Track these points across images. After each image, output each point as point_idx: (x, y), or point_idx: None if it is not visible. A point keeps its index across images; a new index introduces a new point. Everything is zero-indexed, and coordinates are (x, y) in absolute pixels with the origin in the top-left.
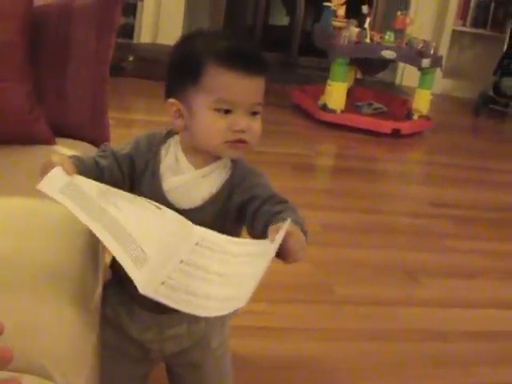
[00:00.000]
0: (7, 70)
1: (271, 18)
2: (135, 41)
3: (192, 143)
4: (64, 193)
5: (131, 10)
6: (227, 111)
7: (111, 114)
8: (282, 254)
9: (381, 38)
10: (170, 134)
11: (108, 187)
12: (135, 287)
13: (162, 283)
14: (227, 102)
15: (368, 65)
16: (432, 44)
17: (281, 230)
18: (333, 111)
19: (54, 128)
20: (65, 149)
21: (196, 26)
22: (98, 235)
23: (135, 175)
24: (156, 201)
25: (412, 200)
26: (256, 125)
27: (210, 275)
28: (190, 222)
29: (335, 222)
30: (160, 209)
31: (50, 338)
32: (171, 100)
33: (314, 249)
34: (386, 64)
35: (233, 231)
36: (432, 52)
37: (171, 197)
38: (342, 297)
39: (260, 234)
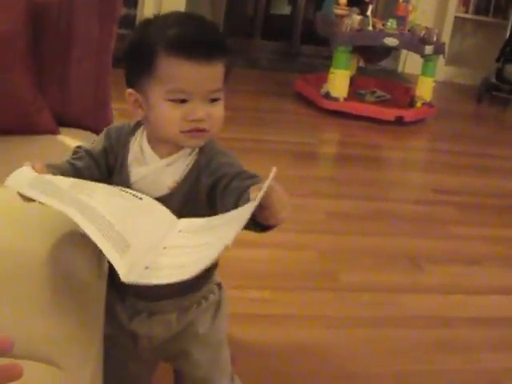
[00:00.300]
0: (10, 60)
1: (273, 7)
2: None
3: (153, 133)
4: (32, 186)
5: (132, 0)
6: (182, 101)
7: (113, 104)
8: (263, 214)
9: (383, 25)
10: (138, 124)
11: (82, 180)
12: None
13: (146, 268)
14: (180, 91)
15: (371, 53)
16: (434, 31)
17: (264, 184)
18: (336, 99)
19: (57, 118)
20: (68, 138)
21: None
22: (74, 220)
23: (110, 168)
24: None
25: (415, 187)
26: (216, 111)
27: (194, 249)
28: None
29: (339, 209)
30: (141, 198)
31: (53, 325)
32: (129, 90)
33: (318, 237)
34: (388, 51)
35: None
36: (435, 39)
37: (138, 188)
38: (346, 284)
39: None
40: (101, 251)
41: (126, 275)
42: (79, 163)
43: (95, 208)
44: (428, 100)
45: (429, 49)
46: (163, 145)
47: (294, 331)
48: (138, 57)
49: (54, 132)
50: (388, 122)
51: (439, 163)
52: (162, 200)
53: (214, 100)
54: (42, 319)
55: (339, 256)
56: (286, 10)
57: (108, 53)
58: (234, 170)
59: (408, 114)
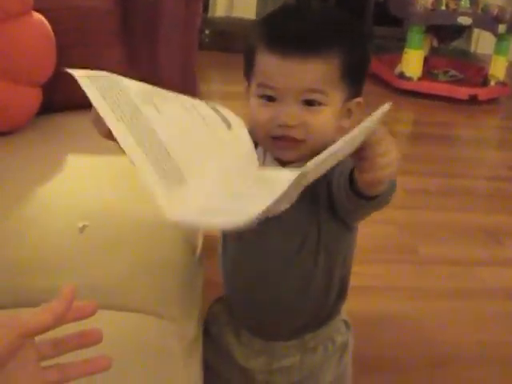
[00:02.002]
0: (104, 36)
1: None
2: (210, 14)
3: None
4: (93, 81)
5: (202, 4)
6: (271, 98)
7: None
8: (362, 166)
9: (456, 4)
10: None
11: (155, 88)
12: (242, 309)
13: (203, 211)
14: (268, 86)
15: (444, 32)
16: (508, 9)
17: (370, 117)
18: (410, 79)
19: None
20: None
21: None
22: (117, 137)
23: None
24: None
25: (490, 164)
26: (313, 118)
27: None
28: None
29: (415, 186)
30: (229, 126)
31: (162, 283)
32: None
33: (398, 212)
34: (461, 31)
35: (327, 223)
36: (508, 17)
37: None
38: (426, 257)
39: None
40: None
41: (171, 211)
42: None
43: (154, 129)
44: (501, 79)
45: (502, 27)
46: None
47: (378, 302)
48: (246, 50)
49: None
50: (461, 101)
51: None
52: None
53: (311, 103)
54: (151, 277)
55: (417, 230)
56: None
57: (194, 30)
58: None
59: (482, 93)
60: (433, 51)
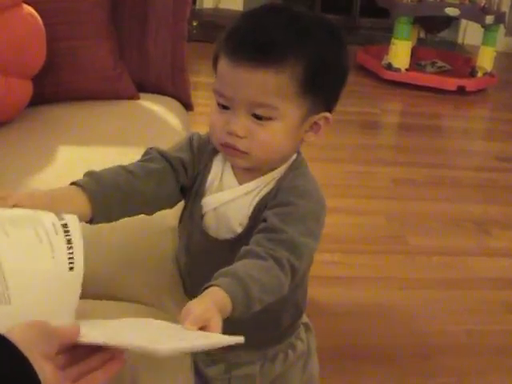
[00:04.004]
0: (93, 28)
1: None
2: (198, 6)
3: None
4: None
5: None
6: (225, 106)
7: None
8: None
9: None
10: None
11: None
12: None
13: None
14: (220, 94)
15: (431, 23)
16: (495, 0)
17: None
18: (397, 70)
19: (136, 84)
20: (148, 103)
21: None
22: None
23: (185, 187)
24: (191, 228)
25: (478, 155)
26: (261, 132)
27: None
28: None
29: (404, 176)
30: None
31: (149, 273)
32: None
33: (385, 202)
34: (449, 21)
35: None
36: (495, 8)
37: (208, 222)
38: (415, 247)
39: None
40: None
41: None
42: (152, 165)
43: None
44: (489, 70)
45: (490, 18)
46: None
47: (366, 292)
48: (213, 56)
49: (134, 97)
50: (449, 92)
51: (501, 132)
52: (233, 243)
53: (260, 117)
54: (144, 267)
55: (407, 221)
56: None
57: (183, 21)
58: (273, 221)
59: (470, 84)
60: (420, 42)
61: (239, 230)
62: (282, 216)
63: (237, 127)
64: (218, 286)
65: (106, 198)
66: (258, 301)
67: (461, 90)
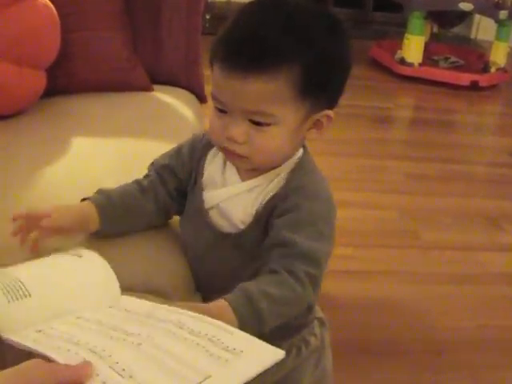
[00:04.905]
0: (107, 19)
1: None
2: None
3: None
4: None
5: None
6: (222, 111)
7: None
8: None
9: None
10: None
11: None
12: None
13: (39, 331)
14: (217, 99)
15: (445, 17)
16: None
17: None
18: (410, 65)
19: (150, 76)
20: (162, 95)
21: None
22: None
23: (183, 191)
24: (198, 221)
25: (491, 150)
26: (259, 138)
27: (124, 335)
28: (116, 286)
29: (417, 171)
30: (80, 256)
31: (166, 266)
32: None
33: (398, 196)
34: (462, 16)
35: None
36: (509, 4)
37: (214, 216)
38: (428, 242)
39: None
40: None
41: (7, 329)
42: (145, 182)
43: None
44: (502, 65)
45: (503, 13)
46: None
47: (379, 286)
48: (209, 58)
49: (148, 89)
50: (462, 88)
51: None
52: (235, 237)
53: (258, 123)
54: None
55: (419, 215)
56: None
57: (197, 13)
58: (283, 234)
59: (483, 79)
60: (433, 37)
61: (242, 226)
62: (292, 225)
63: (235, 133)
64: (224, 299)
65: (115, 214)
66: (267, 313)
67: (474, 86)
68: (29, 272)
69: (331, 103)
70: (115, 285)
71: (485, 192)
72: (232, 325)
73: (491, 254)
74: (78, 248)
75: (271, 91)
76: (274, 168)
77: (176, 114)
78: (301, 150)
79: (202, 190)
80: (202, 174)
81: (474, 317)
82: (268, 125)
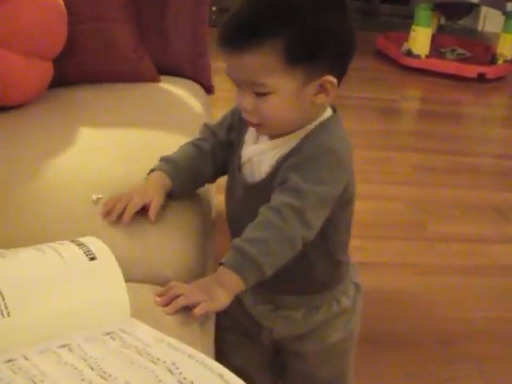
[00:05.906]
0: (113, 10)
1: None
2: None
3: None
4: None
5: None
6: (237, 86)
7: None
8: None
9: None
10: None
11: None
12: None
13: (9, 361)
14: (228, 76)
15: (452, 9)
16: None
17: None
18: (417, 56)
19: (157, 67)
20: (169, 85)
21: None
22: None
23: (232, 144)
24: (232, 173)
25: (498, 142)
26: (262, 106)
27: (98, 379)
28: (126, 307)
29: (424, 163)
30: (90, 257)
31: (171, 255)
32: None
33: (405, 188)
34: (470, 8)
35: None
36: None
37: (245, 169)
38: (435, 234)
39: None
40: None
41: None
42: (206, 145)
43: None
44: (509, 57)
45: (510, 5)
46: None
47: (384, 278)
48: None
49: (155, 80)
50: (469, 80)
51: None
52: (258, 186)
53: (259, 93)
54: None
55: (427, 207)
56: None
57: (204, 4)
58: (282, 173)
59: (490, 71)
60: (440, 29)
61: (263, 175)
62: (294, 166)
63: (244, 103)
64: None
65: (183, 179)
66: (259, 255)
67: (481, 78)
68: (11, 281)
69: (332, 69)
70: (125, 306)
71: (492, 184)
72: (234, 281)
73: (499, 246)
74: (88, 241)
75: (260, 63)
76: (294, 131)
77: (183, 104)
78: (328, 113)
79: (243, 145)
80: (245, 133)
81: (482, 308)
82: (267, 94)
